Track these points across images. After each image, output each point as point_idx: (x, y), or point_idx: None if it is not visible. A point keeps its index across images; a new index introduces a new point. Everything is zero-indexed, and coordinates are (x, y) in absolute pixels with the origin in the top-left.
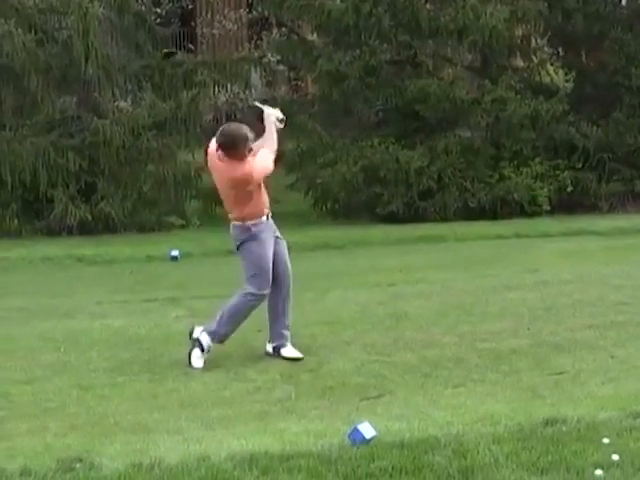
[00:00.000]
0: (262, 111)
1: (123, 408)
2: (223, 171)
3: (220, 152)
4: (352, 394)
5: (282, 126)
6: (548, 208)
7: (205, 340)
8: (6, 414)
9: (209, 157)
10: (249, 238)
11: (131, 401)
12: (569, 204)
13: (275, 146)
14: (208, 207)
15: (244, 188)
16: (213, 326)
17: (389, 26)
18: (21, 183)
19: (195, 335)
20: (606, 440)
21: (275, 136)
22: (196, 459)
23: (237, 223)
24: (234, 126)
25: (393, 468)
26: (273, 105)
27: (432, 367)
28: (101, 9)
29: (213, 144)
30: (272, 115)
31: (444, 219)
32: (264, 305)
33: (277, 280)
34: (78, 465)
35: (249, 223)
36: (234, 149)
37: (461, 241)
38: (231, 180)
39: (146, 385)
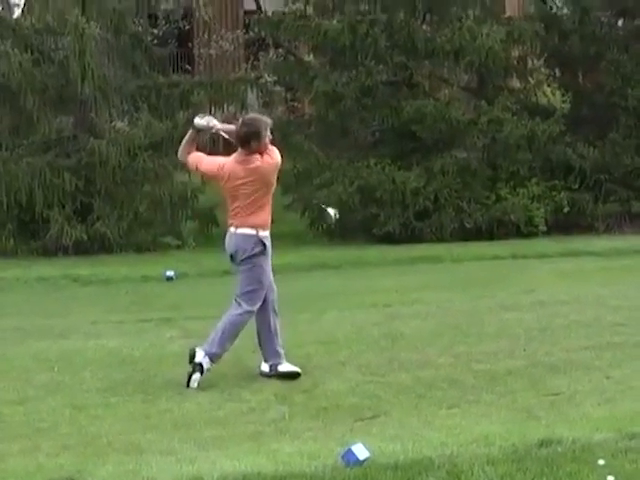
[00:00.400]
0: None
1: (116, 428)
2: (247, 169)
3: (241, 149)
4: (346, 415)
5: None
6: (545, 229)
7: (206, 364)
8: None
9: (227, 169)
10: (260, 253)
11: (124, 421)
12: (566, 225)
13: None
14: (204, 227)
15: (270, 184)
16: (212, 348)
17: (385, 47)
18: (17, 203)
19: (197, 360)
20: (601, 461)
21: None
22: None
23: (247, 232)
24: (254, 115)
25: None
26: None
27: (427, 388)
28: (98, 30)
29: (222, 160)
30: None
31: (440, 240)
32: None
33: (265, 297)
34: None
35: (262, 234)
36: (257, 138)
37: (458, 262)
38: (260, 174)
39: (139, 405)
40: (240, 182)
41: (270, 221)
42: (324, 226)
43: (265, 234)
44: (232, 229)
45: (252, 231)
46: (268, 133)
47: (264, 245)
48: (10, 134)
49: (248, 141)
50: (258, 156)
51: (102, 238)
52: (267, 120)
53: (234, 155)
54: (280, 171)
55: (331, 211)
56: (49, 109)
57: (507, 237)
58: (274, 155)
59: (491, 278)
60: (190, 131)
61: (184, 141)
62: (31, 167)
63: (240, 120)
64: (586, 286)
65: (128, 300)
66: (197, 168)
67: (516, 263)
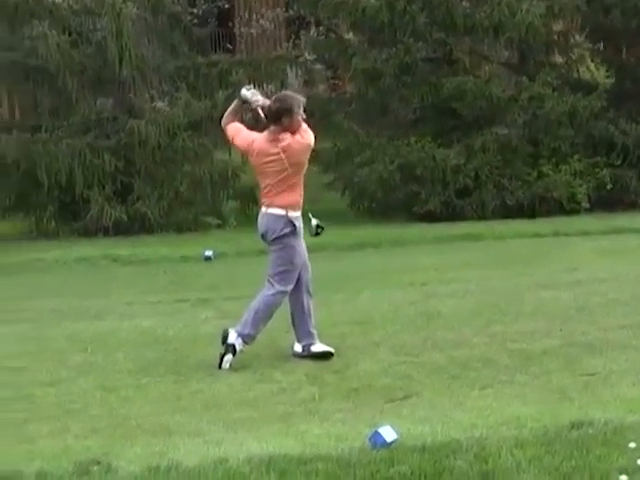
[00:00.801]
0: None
1: (146, 410)
2: (276, 147)
3: (272, 126)
4: (377, 396)
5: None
6: (587, 206)
7: (239, 345)
8: (28, 416)
9: (255, 146)
10: (290, 233)
11: (154, 403)
12: (608, 202)
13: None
14: (245, 207)
15: (299, 164)
16: (245, 329)
17: (424, 23)
18: (57, 184)
19: (230, 341)
20: (632, 444)
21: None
22: (214, 462)
23: (277, 212)
24: (287, 92)
25: (412, 473)
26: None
27: (460, 368)
28: (135, 10)
29: (256, 135)
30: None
31: (482, 217)
32: (287, 305)
33: (298, 277)
34: (95, 468)
35: (292, 215)
36: (289, 114)
37: (499, 239)
38: (289, 153)
39: (170, 386)
40: (268, 159)
41: (301, 201)
42: (365, 204)
43: (295, 214)
44: (263, 209)
45: (282, 211)
46: (301, 111)
47: (294, 225)
48: (50, 116)
49: (279, 117)
50: (289, 135)
51: (142, 218)
52: (300, 98)
53: (265, 132)
54: (316, 151)
55: (314, 222)
56: (88, 90)
57: (549, 214)
58: (306, 135)
59: (532, 256)
60: (235, 101)
61: (229, 110)
62: (71, 148)
63: (273, 97)
64: (627, 264)
65: (166, 280)
66: (233, 140)
67: (558, 241)
